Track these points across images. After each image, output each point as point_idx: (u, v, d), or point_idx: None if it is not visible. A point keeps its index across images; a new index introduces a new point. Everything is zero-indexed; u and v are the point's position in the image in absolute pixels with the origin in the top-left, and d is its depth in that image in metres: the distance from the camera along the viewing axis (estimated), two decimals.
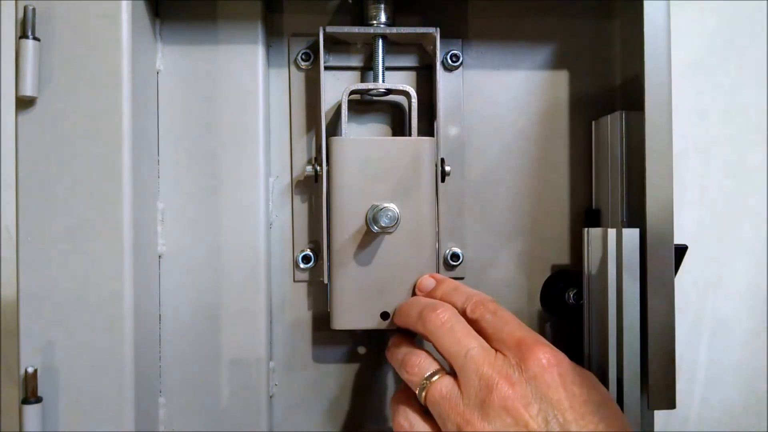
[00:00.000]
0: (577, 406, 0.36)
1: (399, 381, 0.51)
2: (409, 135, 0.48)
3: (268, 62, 0.50)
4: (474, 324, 0.40)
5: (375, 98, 0.50)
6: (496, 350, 0.38)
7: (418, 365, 0.40)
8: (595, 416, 0.36)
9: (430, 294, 0.44)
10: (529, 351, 0.37)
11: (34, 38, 0.39)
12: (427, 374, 0.39)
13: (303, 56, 0.50)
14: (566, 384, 0.36)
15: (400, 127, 0.51)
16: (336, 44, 0.50)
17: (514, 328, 0.39)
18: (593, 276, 0.48)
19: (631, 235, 0.45)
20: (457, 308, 0.42)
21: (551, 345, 0.38)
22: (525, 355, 0.37)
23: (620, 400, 0.45)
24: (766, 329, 0.75)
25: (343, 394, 0.51)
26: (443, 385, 0.38)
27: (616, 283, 0.45)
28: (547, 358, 0.37)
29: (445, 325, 0.40)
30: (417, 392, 0.40)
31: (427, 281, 0.45)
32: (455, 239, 0.51)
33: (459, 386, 0.37)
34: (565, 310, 0.50)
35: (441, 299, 0.43)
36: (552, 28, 0.52)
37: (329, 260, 0.47)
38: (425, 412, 0.41)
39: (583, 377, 0.38)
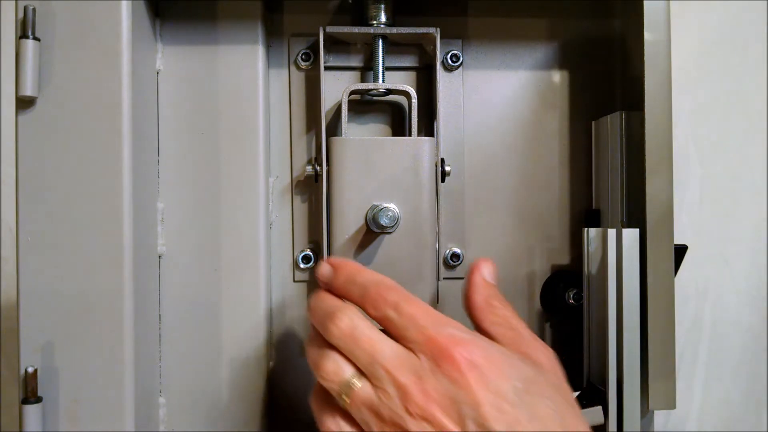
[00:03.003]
0: (498, 403, 0.33)
1: None
2: (409, 135, 0.48)
3: (268, 62, 0.49)
4: (380, 322, 0.37)
5: (375, 98, 0.50)
6: (410, 349, 0.35)
7: (334, 371, 0.37)
8: (520, 410, 0.33)
9: (328, 286, 0.40)
10: (441, 352, 0.34)
11: (34, 38, 0.39)
12: (344, 381, 0.36)
13: (303, 56, 0.50)
14: (487, 382, 0.33)
15: (400, 127, 0.51)
16: (336, 44, 0.50)
17: (421, 326, 0.35)
18: (593, 276, 0.48)
19: (631, 235, 0.45)
20: (358, 304, 0.38)
21: (466, 336, 0.35)
22: (438, 357, 0.34)
23: (620, 400, 0.45)
24: (766, 329, 0.75)
25: None
26: (363, 393, 0.35)
27: (616, 283, 0.45)
28: (463, 357, 0.34)
29: (346, 334, 0.36)
30: (337, 399, 0.37)
31: (324, 270, 0.41)
32: (455, 239, 0.51)
33: (378, 393, 0.35)
34: (565, 310, 0.50)
35: (339, 295, 0.39)
36: (552, 28, 0.52)
37: None
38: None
39: (510, 369, 0.35)
